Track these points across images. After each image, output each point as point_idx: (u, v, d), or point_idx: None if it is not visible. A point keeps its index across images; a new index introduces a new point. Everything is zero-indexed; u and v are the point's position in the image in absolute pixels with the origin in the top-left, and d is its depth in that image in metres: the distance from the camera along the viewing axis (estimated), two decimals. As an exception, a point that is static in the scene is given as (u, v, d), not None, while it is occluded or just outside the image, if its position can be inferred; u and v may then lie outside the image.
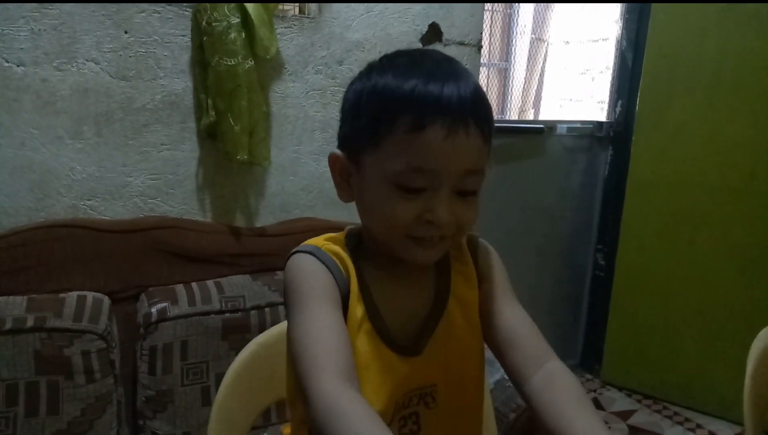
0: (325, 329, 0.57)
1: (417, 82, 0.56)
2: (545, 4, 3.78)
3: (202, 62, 1.32)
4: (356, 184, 0.63)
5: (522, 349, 0.63)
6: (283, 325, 0.90)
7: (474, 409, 0.72)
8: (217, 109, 1.31)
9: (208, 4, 1.25)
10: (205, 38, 1.28)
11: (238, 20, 1.26)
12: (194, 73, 1.35)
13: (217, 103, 1.30)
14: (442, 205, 0.58)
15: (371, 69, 0.62)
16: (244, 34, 1.28)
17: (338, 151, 0.64)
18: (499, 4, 3.82)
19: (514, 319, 0.66)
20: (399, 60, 0.61)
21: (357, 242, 0.68)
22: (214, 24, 1.25)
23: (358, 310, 0.63)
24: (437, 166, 0.57)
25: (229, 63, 1.26)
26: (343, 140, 0.64)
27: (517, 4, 3.82)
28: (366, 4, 1.54)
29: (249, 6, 1.27)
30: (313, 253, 0.63)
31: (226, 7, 1.25)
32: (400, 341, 0.64)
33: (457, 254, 0.70)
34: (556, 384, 0.59)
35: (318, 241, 0.66)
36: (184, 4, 1.31)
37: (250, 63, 1.30)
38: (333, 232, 0.71)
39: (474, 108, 0.58)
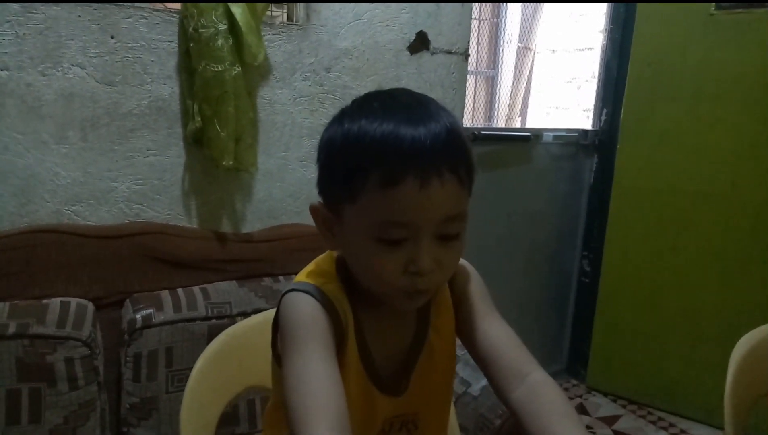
0: (319, 379, 0.56)
1: (388, 131, 0.55)
2: (532, 13, 3.82)
3: (188, 68, 1.32)
4: (339, 233, 0.63)
5: (504, 363, 0.64)
6: (252, 319, 0.96)
7: (446, 427, 0.75)
8: (204, 115, 1.30)
9: (195, 11, 1.25)
10: (191, 44, 1.28)
11: (225, 27, 1.26)
12: (181, 79, 1.35)
13: (203, 109, 1.30)
14: (425, 255, 0.57)
15: (343, 115, 0.61)
16: (231, 41, 1.28)
17: (318, 203, 0.65)
18: (486, 12, 3.85)
19: (495, 334, 0.66)
20: (370, 105, 0.59)
21: (347, 273, 0.66)
22: (201, 30, 1.25)
23: (352, 351, 0.64)
24: (414, 218, 0.56)
25: (216, 69, 1.26)
26: (322, 191, 0.64)
27: (504, 13, 3.85)
28: (354, 12, 1.55)
29: (236, 12, 1.27)
30: (311, 293, 0.62)
31: (213, 14, 1.25)
32: (386, 380, 0.66)
33: None
34: (540, 396, 0.59)
35: (313, 278, 0.65)
36: (171, 11, 1.31)
37: (237, 69, 1.30)
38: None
39: (447, 153, 0.56)
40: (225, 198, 1.47)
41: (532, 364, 0.63)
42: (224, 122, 1.30)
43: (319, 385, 0.56)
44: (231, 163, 1.33)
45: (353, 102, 0.63)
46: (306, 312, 0.61)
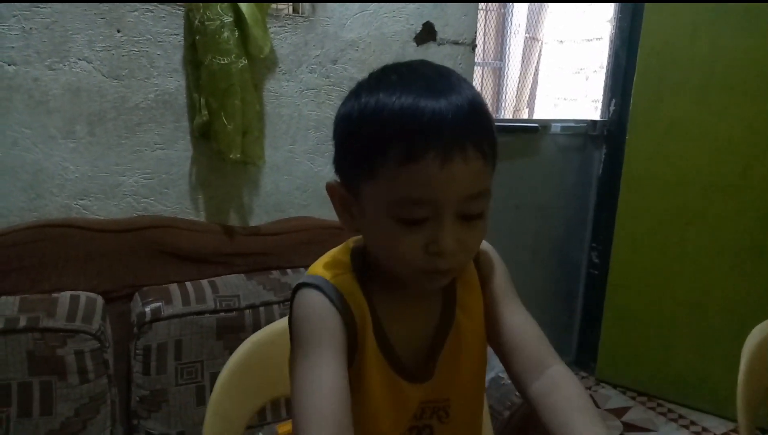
0: (322, 388, 0.55)
1: (407, 104, 0.52)
2: (539, 3, 3.78)
3: (194, 61, 1.32)
4: (357, 213, 0.60)
5: (525, 354, 0.62)
6: (277, 324, 0.90)
7: (480, 415, 0.73)
8: (210, 109, 1.30)
9: (200, 3, 1.25)
10: (197, 37, 1.28)
11: (231, 19, 1.26)
12: (187, 72, 1.34)
13: (209, 102, 1.30)
14: (447, 235, 0.54)
15: (360, 88, 0.58)
16: (237, 33, 1.28)
17: (335, 181, 0.61)
18: (494, 4, 3.82)
19: (518, 322, 0.65)
20: (388, 78, 0.56)
21: (363, 263, 0.64)
22: (206, 23, 1.24)
23: (370, 344, 0.62)
24: (436, 196, 0.53)
25: (222, 62, 1.26)
26: (339, 169, 0.61)
27: (511, 4, 3.82)
28: (360, 3, 1.54)
29: (242, 5, 1.27)
30: (322, 288, 0.60)
31: (219, 6, 1.25)
32: (411, 368, 0.64)
33: None
34: (559, 390, 0.58)
35: (326, 270, 0.62)
36: (177, 3, 1.31)
37: (244, 62, 1.30)
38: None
39: (471, 128, 0.53)
40: (232, 191, 1.47)
41: (553, 357, 0.62)
42: (231, 115, 1.30)
43: (322, 396, 0.54)
44: (238, 156, 1.33)
45: (370, 75, 0.59)
46: (314, 313, 0.59)
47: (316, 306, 0.60)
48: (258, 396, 0.87)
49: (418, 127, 0.51)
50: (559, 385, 0.59)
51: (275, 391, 0.87)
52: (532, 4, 3.79)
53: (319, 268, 0.63)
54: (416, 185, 0.53)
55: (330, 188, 0.62)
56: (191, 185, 1.41)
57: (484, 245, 0.70)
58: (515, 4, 3.81)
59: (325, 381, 0.55)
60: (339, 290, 0.60)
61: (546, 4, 3.77)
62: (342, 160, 0.60)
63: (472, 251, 0.59)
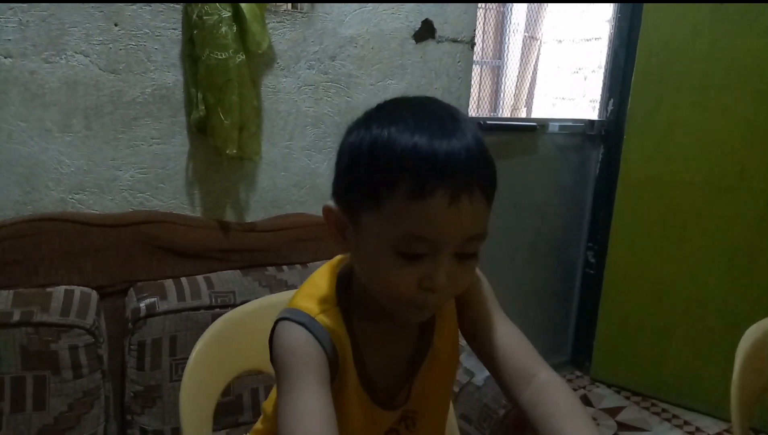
0: (309, 418, 0.56)
1: (421, 142, 0.53)
2: (538, 2, 3.78)
3: (192, 56, 1.31)
4: (352, 239, 0.60)
5: (512, 364, 0.63)
6: (248, 305, 0.97)
7: (445, 419, 0.76)
8: (207, 104, 1.30)
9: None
10: (195, 32, 1.27)
11: (229, 14, 1.25)
12: (184, 67, 1.34)
13: (207, 97, 1.29)
14: (441, 272, 0.55)
15: (370, 120, 0.58)
16: (235, 28, 1.27)
17: (332, 205, 0.61)
18: (493, 2, 3.82)
19: (502, 336, 0.66)
20: (400, 113, 0.56)
21: (347, 292, 0.66)
22: (204, 18, 1.24)
23: (351, 375, 0.63)
24: (439, 235, 0.54)
25: (220, 57, 1.25)
26: (339, 194, 0.61)
27: (510, 2, 3.81)
28: (359, 2, 1.54)
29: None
30: (306, 326, 0.61)
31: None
32: (389, 395, 0.67)
33: None
34: (548, 396, 0.59)
35: (310, 304, 0.63)
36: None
37: (241, 57, 1.29)
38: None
39: (479, 171, 0.55)
40: (229, 187, 1.46)
41: (539, 365, 0.63)
42: (228, 111, 1.29)
43: (313, 422, 0.56)
44: (235, 151, 1.33)
45: (379, 107, 0.60)
46: (299, 346, 0.60)
47: (300, 340, 0.60)
48: (231, 367, 0.94)
49: (431, 165, 0.52)
50: (547, 392, 0.60)
51: (247, 364, 0.95)
52: (531, 3, 3.79)
53: (303, 300, 0.64)
54: (422, 222, 0.53)
55: (327, 211, 0.62)
56: (188, 180, 1.41)
57: None
58: (514, 4, 3.81)
59: (313, 408, 0.56)
60: (324, 328, 0.61)
61: (545, 4, 3.76)
62: (344, 188, 0.59)
63: (461, 288, 0.60)
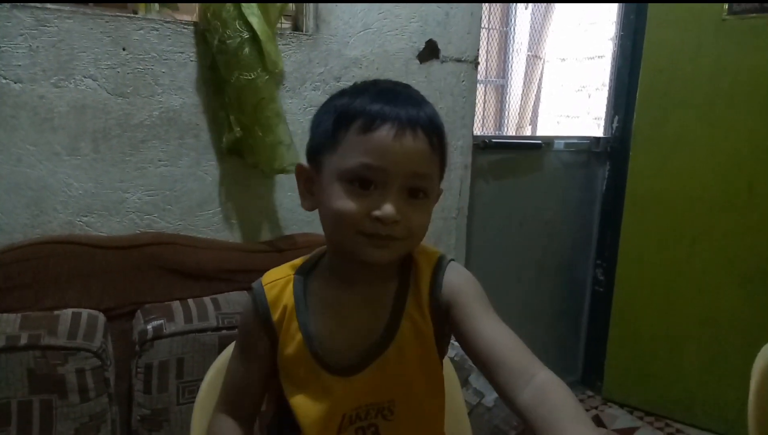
0: (235, 374, 0.77)
1: (370, 95, 0.65)
2: (541, 21, 3.81)
3: (214, 80, 1.34)
4: (317, 190, 0.69)
5: (507, 365, 0.62)
6: None
7: (433, 417, 0.76)
8: (242, 125, 1.32)
9: (217, 23, 1.26)
10: (218, 57, 1.29)
11: (249, 35, 1.27)
12: (208, 92, 1.37)
13: (240, 118, 1.32)
14: (389, 202, 0.62)
15: (332, 96, 0.70)
16: (255, 49, 1.29)
17: (304, 163, 0.72)
18: (495, 21, 3.85)
19: (493, 336, 0.65)
20: (357, 85, 0.69)
21: (316, 262, 0.76)
22: (227, 42, 1.26)
23: (295, 338, 0.71)
24: (386, 164, 0.62)
25: (249, 77, 1.28)
26: (308, 152, 0.71)
27: (513, 21, 3.85)
28: (363, 21, 1.55)
29: (253, 21, 1.27)
30: (255, 293, 0.74)
31: (237, 23, 1.26)
32: (338, 363, 0.70)
33: (416, 278, 0.72)
34: (548, 398, 0.58)
35: (271, 274, 0.76)
36: (182, 22, 1.32)
37: (266, 76, 1.31)
38: (316, 249, 0.79)
39: (422, 119, 0.64)
40: (235, 208, 1.47)
41: (536, 365, 0.62)
42: (267, 128, 1.32)
43: (231, 381, 0.77)
44: (283, 165, 1.35)
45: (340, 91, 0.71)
46: (242, 318, 0.79)
47: (245, 312, 0.77)
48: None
49: (379, 107, 0.63)
50: (547, 394, 0.58)
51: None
52: (534, 21, 3.82)
53: (271, 271, 0.77)
54: (371, 152, 0.62)
55: (299, 168, 0.72)
56: (195, 202, 1.41)
57: (454, 269, 0.73)
58: (517, 22, 3.84)
59: (236, 370, 0.77)
60: (266, 297, 0.73)
61: (548, 22, 3.79)
62: (312, 145, 0.70)
63: (413, 228, 0.65)
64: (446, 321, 0.70)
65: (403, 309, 0.71)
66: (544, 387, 0.59)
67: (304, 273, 0.74)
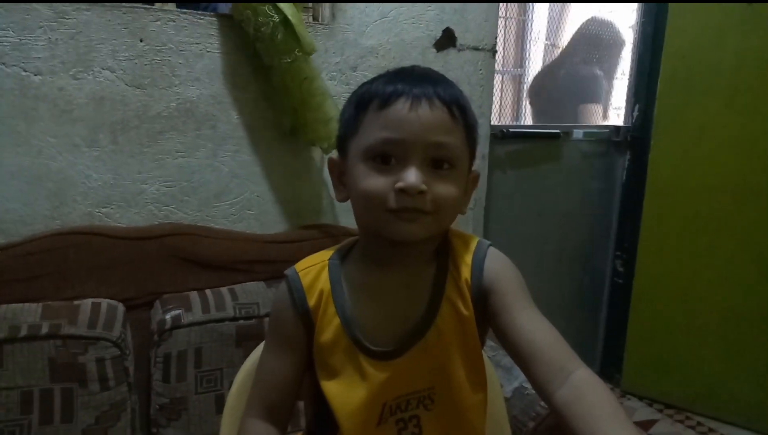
0: (266, 372, 0.73)
1: (389, 77, 0.66)
2: (559, 10, 3.75)
3: (260, 68, 1.37)
4: (348, 179, 0.68)
5: (545, 361, 0.60)
6: None
7: (475, 411, 0.73)
8: (293, 107, 1.36)
9: (249, 12, 1.26)
10: (258, 45, 1.31)
11: (279, 18, 1.27)
12: (257, 81, 1.40)
13: (289, 101, 1.36)
14: (411, 172, 0.61)
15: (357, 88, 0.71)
16: (288, 33, 1.29)
17: (334, 156, 0.72)
18: (513, 11, 3.80)
19: (532, 329, 0.64)
20: (384, 73, 0.69)
21: (349, 249, 0.75)
22: (262, 29, 1.26)
23: (332, 322, 0.69)
24: (404, 136, 0.62)
25: (288, 60, 1.29)
26: (337, 144, 0.71)
27: (531, 10, 3.80)
28: (380, 10, 1.54)
29: (283, 6, 1.27)
30: (290, 280, 0.72)
31: (267, 7, 1.26)
32: (378, 347, 0.68)
33: (456, 262, 0.70)
34: (587, 396, 0.56)
35: (306, 261, 0.74)
36: (198, 13, 1.32)
37: (304, 57, 1.32)
38: (349, 237, 0.78)
39: (440, 91, 0.63)
40: (252, 199, 1.47)
41: (575, 361, 0.60)
42: (315, 106, 1.35)
43: (265, 376, 0.73)
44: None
45: None
46: (276, 307, 0.74)
47: (277, 300, 0.74)
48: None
49: (393, 87, 0.63)
50: (584, 392, 0.57)
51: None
52: (552, 10, 3.76)
53: (305, 259, 0.75)
54: (388, 126, 0.62)
55: (330, 162, 0.72)
56: (212, 193, 1.41)
57: (494, 254, 0.71)
58: (535, 11, 3.78)
59: (270, 367, 0.73)
60: (302, 283, 0.71)
61: (566, 11, 3.73)
62: (339, 135, 0.70)
63: (441, 204, 0.64)
64: (485, 308, 0.69)
65: (443, 292, 0.69)
66: (581, 385, 0.57)
67: (338, 258, 0.73)
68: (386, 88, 0.63)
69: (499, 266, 0.69)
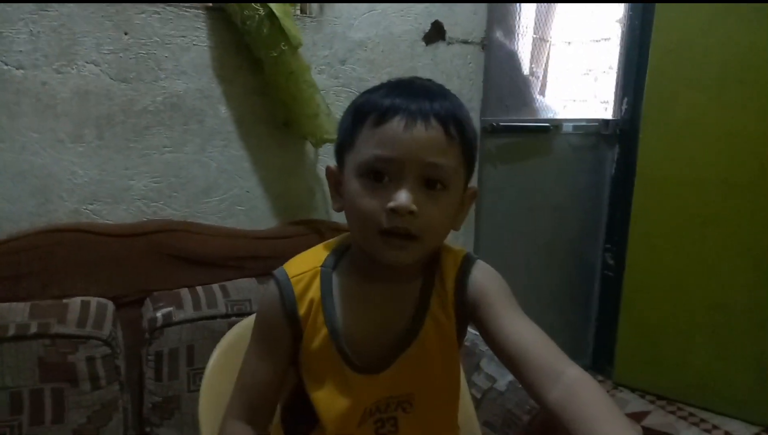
0: (253, 371, 0.72)
1: (386, 90, 0.65)
2: (547, 4, 3.76)
3: (251, 61, 1.37)
4: (343, 190, 0.67)
5: (534, 364, 0.61)
6: None
7: (450, 413, 0.77)
8: (284, 100, 1.35)
9: (236, 6, 1.25)
10: (246, 38, 1.31)
11: (265, 12, 1.26)
12: (245, 74, 1.39)
13: (280, 93, 1.35)
14: (402, 193, 0.61)
15: (354, 100, 0.69)
16: (274, 26, 1.28)
17: (333, 166, 0.71)
18: (502, 2, 3.80)
19: (521, 334, 0.64)
20: (379, 86, 0.68)
21: (341, 255, 0.74)
22: (248, 22, 1.26)
23: (320, 332, 0.69)
24: (398, 155, 0.61)
25: (275, 54, 1.29)
26: (335, 153, 0.71)
27: (518, 4, 3.80)
28: (368, 3, 1.53)
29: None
30: (281, 286, 0.70)
31: (252, 3, 1.25)
32: (362, 359, 0.69)
33: (442, 276, 0.71)
34: (580, 395, 0.56)
35: (297, 264, 0.73)
36: (184, 6, 1.30)
37: (290, 51, 1.31)
38: (340, 233, 0.78)
39: (437, 105, 0.63)
40: (242, 194, 1.45)
41: (564, 361, 0.60)
42: (303, 100, 1.35)
43: (247, 379, 0.72)
44: (331, 135, 1.37)
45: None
46: (263, 310, 0.73)
47: (267, 302, 0.72)
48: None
49: (391, 101, 0.62)
50: (577, 391, 0.57)
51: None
52: (540, 4, 3.77)
53: (295, 260, 0.74)
54: (382, 143, 0.61)
55: (328, 171, 0.71)
56: (200, 189, 1.40)
57: (480, 268, 0.72)
58: (523, 5, 3.79)
59: (254, 369, 0.72)
60: (293, 289, 0.70)
61: (554, 5, 3.74)
62: (336, 144, 0.70)
63: (431, 220, 0.63)
64: (470, 319, 0.71)
65: (428, 307, 0.70)
66: (574, 384, 0.57)
67: (330, 265, 0.73)
68: (383, 102, 0.62)
69: (485, 279, 0.71)
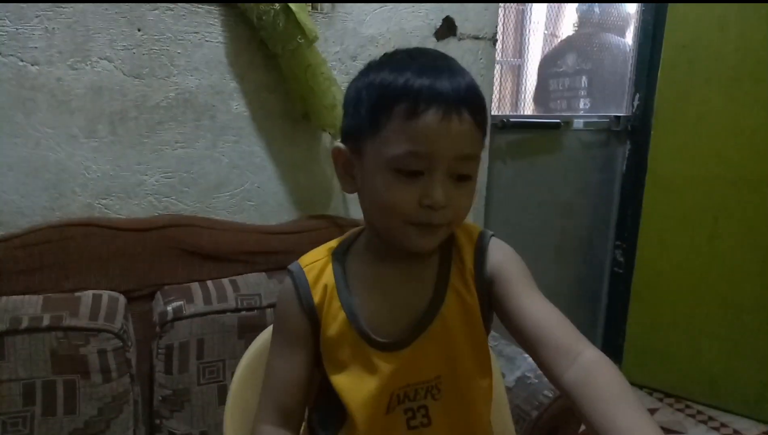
0: (278, 372, 0.71)
1: (412, 73, 0.60)
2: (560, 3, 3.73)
3: (268, 56, 1.38)
4: (358, 174, 0.66)
5: (552, 344, 0.60)
6: None
7: (480, 399, 0.73)
8: (301, 94, 1.37)
9: (252, 3, 1.26)
10: (262, 34, 1.31)
11: (280, 6, 1.27)
12: (256, 70, 1.39)
13: (298, 87, 1.36)
14: (438, 188, 0.60)
15: (369, 67, 0.66)
16: (290, 20, 1.29)
17: (341, 145, 0.68)
18: (514, 2, 3.78)
19: (538, 313, 0.63)
20: (396, 57, 0.65)
21: (352, 242, 0.74)
22: (263, 17, 1.26)
23: (338, 317, 0.69)
24: (433, 150, 0.60)
25: (291, 48, 1.30)
26: (345, 133, 0.68)
27: (531, 2, 3.77)
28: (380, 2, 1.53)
29: None
30: (294, 276, 0.71)
31: None
32: (384, 338, 0.68)
33: (459, 252, 0.70)
34: (596, 377, 0.56)
35: (309, 256, 0.74)
36: (197, 3, 1.31)
37: (306, 44, 1.32)
38: (350, 228, 0.77)
39: (466, 97, 0.61)
40: (252, 190, 1.46)
41: (582, 343, 0.60)
42: (321, 92, 1.35)
43: (276, 378, 0.71)
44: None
45: (380, 56, 0.67)
46: (281, 304, 0.73)
47: (282, 297, 0.73)
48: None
49: (423, 90, 0.59)
50: (594, 373, 0.56)
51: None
52: (554, 2, 3.74)
53: (308, 253, 0.74)
54: (417, 137, 0.59)
55: (335, 152, 0.68)
56: (211, 184, 1.41)
57: (496, 244, 0.71)
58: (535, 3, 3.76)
59: (280, 370, 0.71)
60: (306, 277, 0.71)
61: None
62: (349, 124, 0.67)
63: (459, 210, 0.64)
64: (490, 296, 0.69)
65: (448, 282, 0.69)
66: (590, 366, 0.57)
67: (341, 253, 0.73)
68: (412, 87, 0.59)
69: (502, 255, 0.70)
